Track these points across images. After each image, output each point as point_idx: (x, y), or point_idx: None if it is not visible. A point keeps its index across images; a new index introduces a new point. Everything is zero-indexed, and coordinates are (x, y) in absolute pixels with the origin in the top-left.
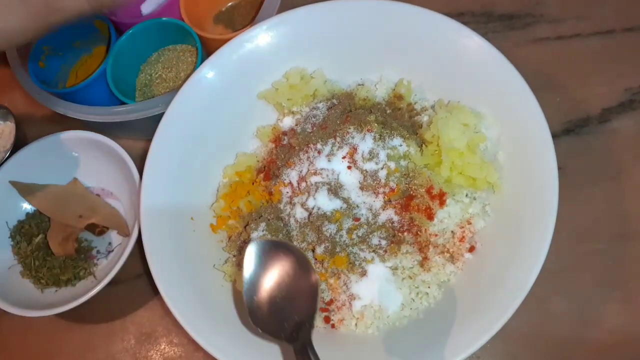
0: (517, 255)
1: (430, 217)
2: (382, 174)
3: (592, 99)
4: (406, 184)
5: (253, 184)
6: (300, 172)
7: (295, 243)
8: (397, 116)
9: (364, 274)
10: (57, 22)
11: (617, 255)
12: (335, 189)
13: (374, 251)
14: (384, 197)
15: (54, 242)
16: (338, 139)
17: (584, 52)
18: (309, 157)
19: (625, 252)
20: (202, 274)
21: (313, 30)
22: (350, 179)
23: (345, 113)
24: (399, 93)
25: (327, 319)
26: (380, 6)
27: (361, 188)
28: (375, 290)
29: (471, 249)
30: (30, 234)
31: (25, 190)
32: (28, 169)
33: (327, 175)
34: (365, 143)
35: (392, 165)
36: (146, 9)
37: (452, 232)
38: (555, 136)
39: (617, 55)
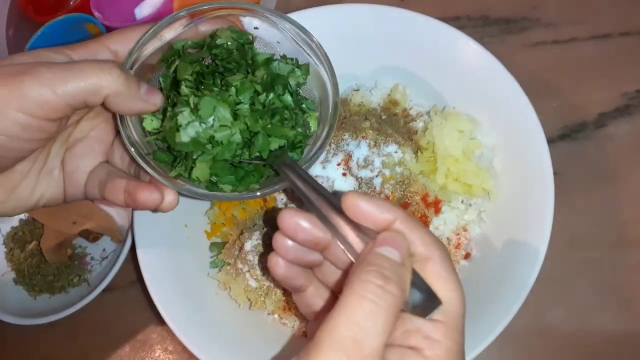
0: (513, 262)
1: (426, 224)
2: (377, 181)
3: (588, 103)
4: (401, 191)
5: None
6: None
7: None
8: (392, 122)
9: None
10: None
11: (614, 262)
12: None
13: None
14: None
15: (47, 249)
16: (333, 146)
17: (580, 57)
18: None
19: (622, 259)
20: (196, 281)
21: None
22: (345, 186)
23: (340, 119)
24: (394, 99)
25: None
26: (375, 11)
27: None
28: None
29: (467, 256)
30: (23, 241)
31: None
32: None
33: (322, 182)
34: (360, 150)
35: (387, 172)
36: (140, 13)
37: (447, 239)
38: (551, 141)
39: (613, 60)
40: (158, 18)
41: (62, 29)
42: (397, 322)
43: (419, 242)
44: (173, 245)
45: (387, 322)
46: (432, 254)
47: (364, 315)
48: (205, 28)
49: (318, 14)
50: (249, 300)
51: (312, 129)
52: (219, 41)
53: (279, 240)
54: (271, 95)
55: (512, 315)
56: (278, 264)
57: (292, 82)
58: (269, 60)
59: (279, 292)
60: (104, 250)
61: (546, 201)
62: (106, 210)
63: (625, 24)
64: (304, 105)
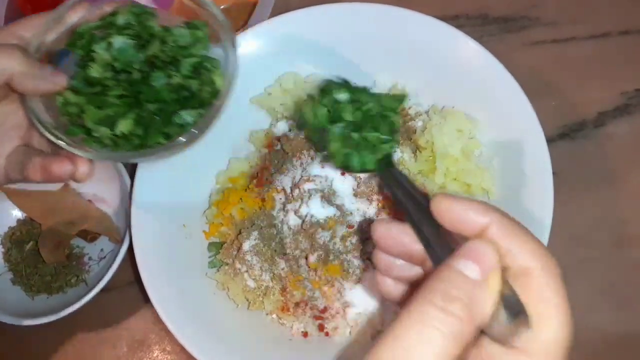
0: None
1: None
2: (376, 180)
3: (587, 102)
4: None
5: (246, 190)
6: (294, 178)
7: (288, 251)
8: None
9: (358, 281)
10: None
11: (614, 261)
12: (328, 196)
13: (368, 258)
14: (377, 204)
15: (45, 249)
16: None
17: (579, 56)
18: (302, 164)
19: (622, 259)
20: (194, 281)
21: (306, 35)
22: (343, 186)
23: None
24: None
25: (321, 327)
26: (374, 10)
27: (355, 195)
28: (370, 298)
29: None
30: (21, 241)
31: (16, 196)
32: None
33: (321, 182)
34: None
35: None
36: None
37: None
38: (550, 141)
39: (613, 59)
40: None
41: None
42: (473, 350)
43: (519, 250)
44: (171, 245)
45: (444, 352)
46: (534, 267)
47: (414, 339)
48: (109, 8)
49: (317, 13)
50: (247, 300)
51: (217, 85)
52: (120, 18)
53: (379, 257)
54: (370, 104)
55: None
56: (385, 283)
57: (199, 49)
58: (168, 29)
59: (277, 292)
60: (101, 250)
61: (546, 201)
62: (104, 210)
63: (625, 23)
64: (207, 64)
